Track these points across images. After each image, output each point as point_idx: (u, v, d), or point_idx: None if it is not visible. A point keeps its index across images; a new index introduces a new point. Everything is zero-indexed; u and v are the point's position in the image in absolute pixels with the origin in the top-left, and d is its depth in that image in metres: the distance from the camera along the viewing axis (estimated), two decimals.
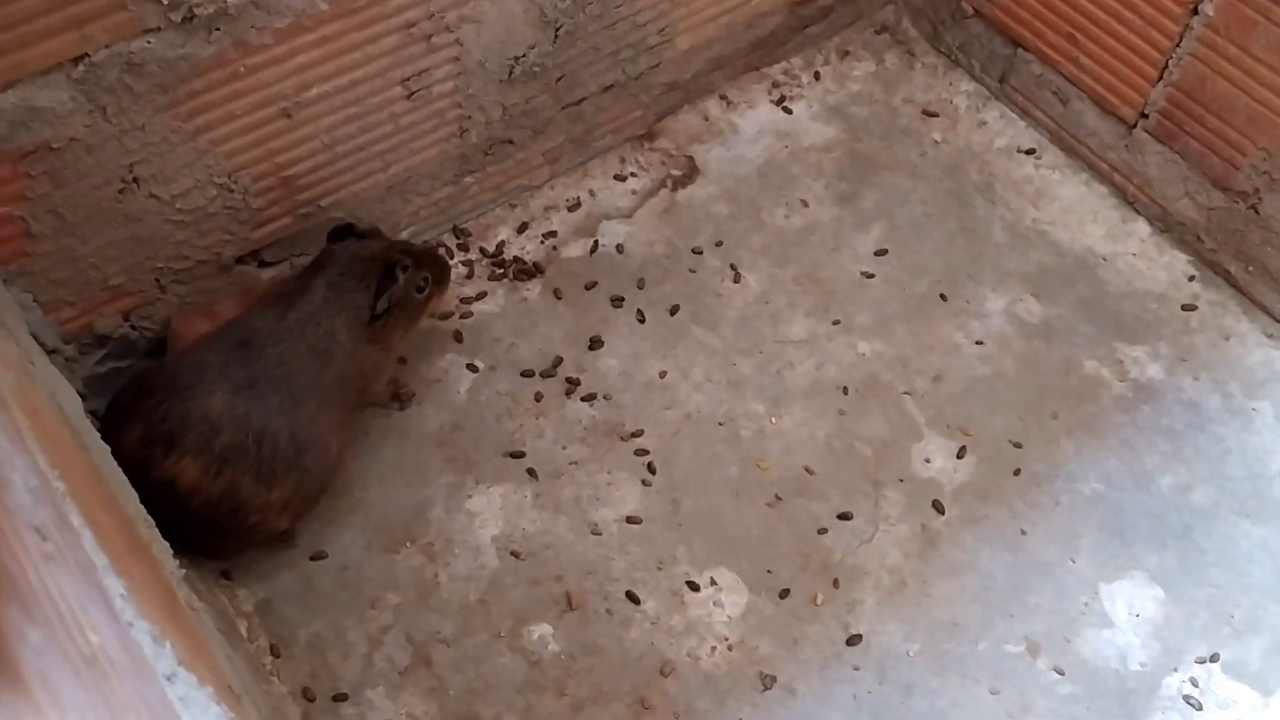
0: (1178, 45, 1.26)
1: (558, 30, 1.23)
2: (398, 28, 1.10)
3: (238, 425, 1.03)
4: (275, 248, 1.22)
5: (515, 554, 1.16)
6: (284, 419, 1.05)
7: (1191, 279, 1.37)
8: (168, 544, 0.90)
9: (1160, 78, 1.30)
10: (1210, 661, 1.12)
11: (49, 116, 0.94)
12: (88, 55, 0.92)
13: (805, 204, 1.43)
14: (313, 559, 1.15)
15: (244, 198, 1.13)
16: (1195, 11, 1.23)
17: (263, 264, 1.22)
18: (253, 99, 1.06)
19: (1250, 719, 1.09)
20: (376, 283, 1.10)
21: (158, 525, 1.03)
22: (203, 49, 0.98)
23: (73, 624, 0.37)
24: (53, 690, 0.36)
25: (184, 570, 0.87)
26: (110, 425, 1.03)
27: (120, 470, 0.94)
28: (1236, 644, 1.13)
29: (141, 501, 0.99)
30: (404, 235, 1.33)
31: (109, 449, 0.94)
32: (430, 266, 1.18)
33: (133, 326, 1.17)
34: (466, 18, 1.14)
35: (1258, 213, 1.28)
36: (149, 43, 0.95)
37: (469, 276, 1.36)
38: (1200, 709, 1.09)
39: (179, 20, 0.95)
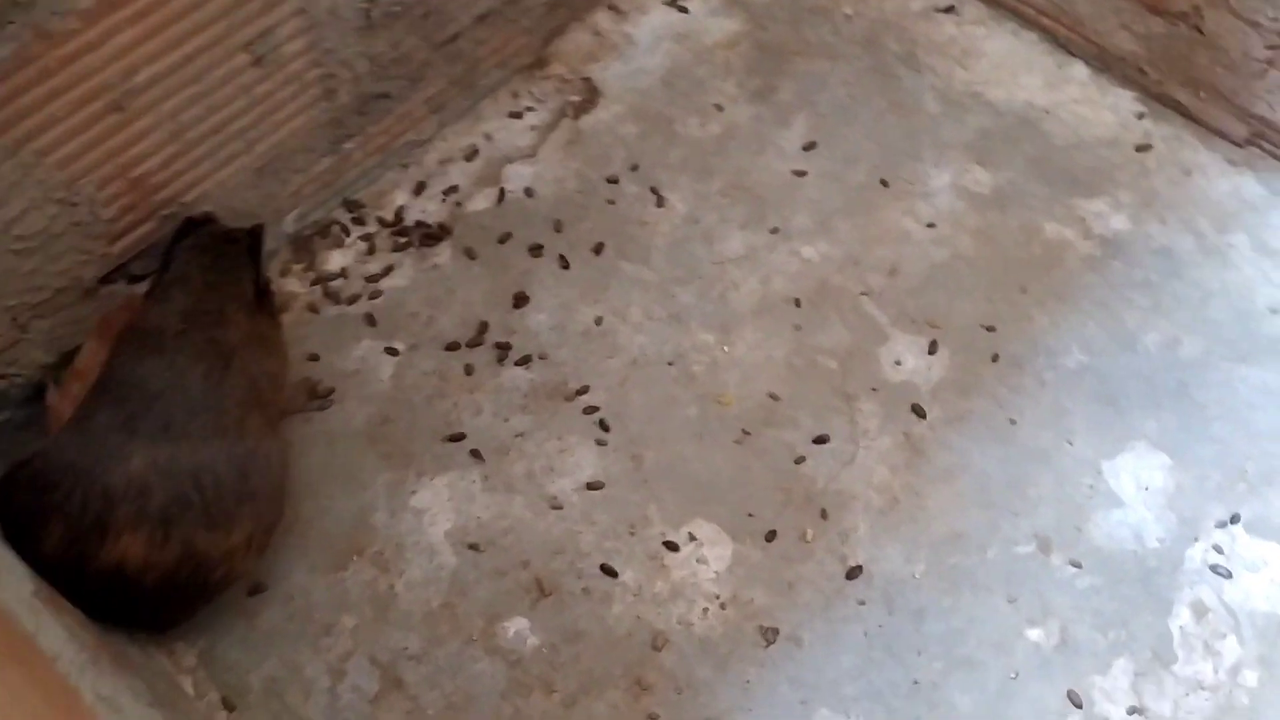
0: None
1: None
2: None
3: (168, 476, 0.89)
4: (143, 259, 1.08)
5: (473, 546, 1.06)
6: (214, 445, 0.92)
7: (1141, 116, 1.27)
8: (74, 620, 0.78)
9: None
10: (1231, 524, 1.05)
11: None
12: None
13: (719, 108, 1.31)
14: (251, 594, 1.04)
15: (91, 209, 1.00)
16: None
17: (133, 279, 1.08)
18: (73, 96, 0.92)
19: None
20: (249, 252, 0.98)
21: (109, 614, 0.92)
22: (1, 49, 0.84)
23: None
24: None
25: (85, 654, 0.75)
26: (18, 533, 0.89)
27: (2, 550, 0.82)
28: (1255, 499, 1.06)
29: (85, 596, 0.88)
30: (289, 218, 1.20)
31: None
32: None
33: (2, 376, 1.03)
34: None
35: (1201, 32, 1.18)
36: None
37: (370, 252, 1.23)
38: (1230, 576, 1.02)
39: None
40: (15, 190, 0.93)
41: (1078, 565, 1.03)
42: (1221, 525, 1.04)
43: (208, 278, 0.96)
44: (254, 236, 0.99)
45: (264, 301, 0.99)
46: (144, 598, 0.92)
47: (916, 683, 0.98)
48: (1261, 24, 1.13)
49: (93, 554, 0.88)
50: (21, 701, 0.47)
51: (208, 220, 1.02)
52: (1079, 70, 1.30)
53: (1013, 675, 0.98)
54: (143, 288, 1.09)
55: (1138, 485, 1.06)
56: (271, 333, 1.01)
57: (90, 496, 0.88)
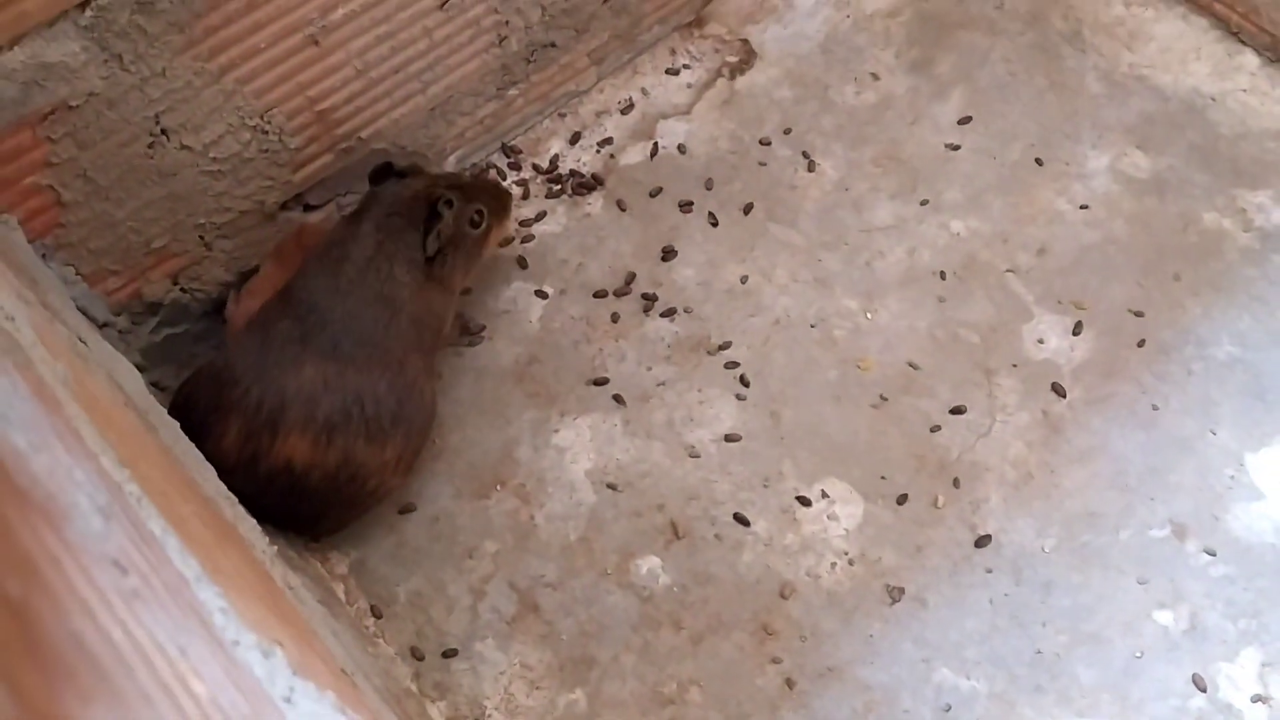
0: None
1: None
2: None
3: (335, 390, 0.97)
4: (319, 189, 1.14)
5: (612, 486, 1.10)
6: (376, 373, 0.99)
7: None
8: (254, 521, 0.84)
9: None
10: None
11: (62, 71, 0.86)
12: None
13: (876, 77, 1.32)
14: (401, 513, 1.10)
15: (280, 138, 1.05)
16: None
17: (308, 207, 1.14)
18: (276, 28, 0.97)
19: None
20: (423, 223, 1.02)
21: (276, 515, 0.99)
22: None
23: (175, 682, 0.31)
24: None
25: (274, 546, 0.80)
26: (199, 428, 0.95)
27: (193, 447, 0.88)
28: None
29: (256, 494, 0.94)
30: (451, 159, 1.24)
31: (179, 428, 0.87)
32: (483, 198, 1.09)
33: (183, 289, 1.10)
34: None
35: None
36: None
37: (525, 197, 1.27)
38: None
39: None
40: (216, 115, 0.99)
41: (1213, 554, 1.03)
42: None
43: (388, 238, 1.01)
44: (432, 208, 1.03)
45: (433, 268, 1.04)
46: (307, 496, 0.99)
47: (1040, 652, 0.99)
48: None
49: (264, 452, 0.96)
50: (242, 585, 0.52)
51: (413, 170, 1.07)
52: (1250, 59, 1.27)
53: (1138, 655, 0.99)
54: (316, 216, 1.15)
55: None
56: (438, 295, 1.06)
57: (266, 397, 0.95)
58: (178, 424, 0.89)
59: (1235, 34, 1.28)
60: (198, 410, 0.97)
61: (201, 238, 1.07)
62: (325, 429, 0.97)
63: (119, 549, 0.33)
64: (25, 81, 0.84)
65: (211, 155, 1.01)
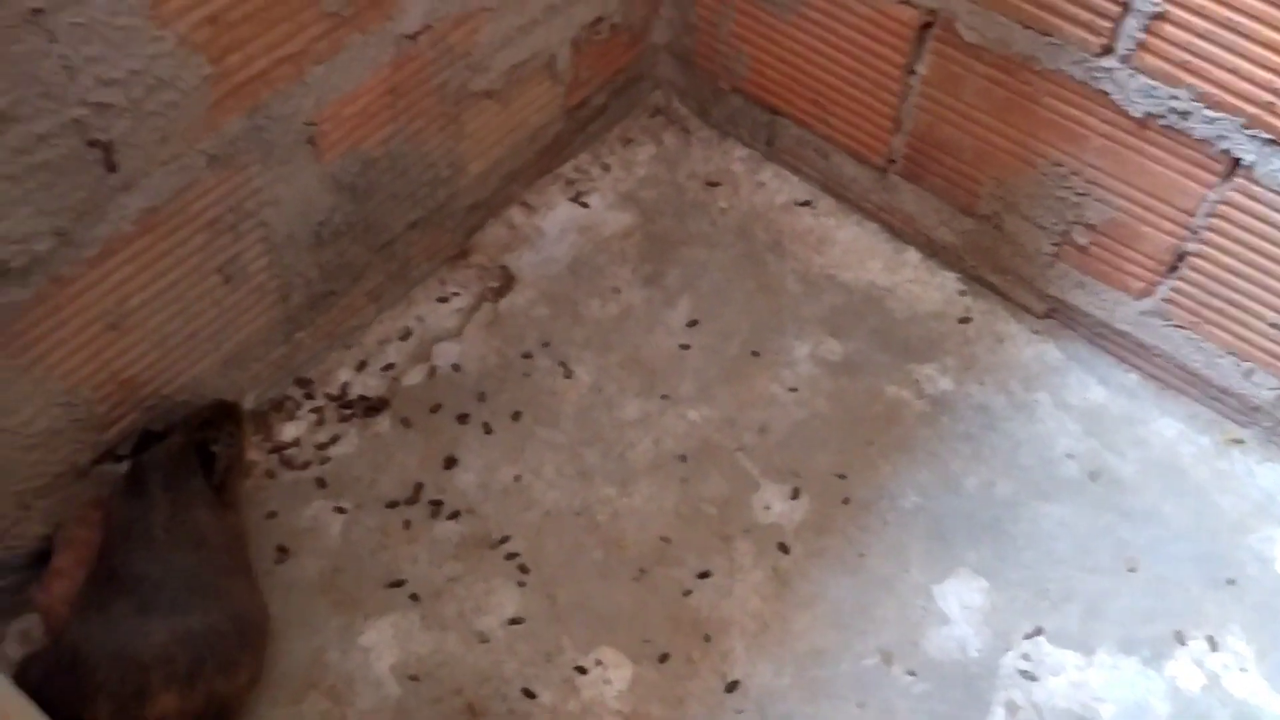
0: (904, 101, 1.43)
1: (355, 190, 1.33)
2: (203, 226, 1.18)
3: (184, 642, 1.10)
4: (126, 441, 1.27)
5: (414, 677, 1.25)
6: (214, 612, 1.13)
7: (963, 294, 1.54)
8: None
9: (897, 128, 1.47)
10: (1037, 635, 1.28)
11: None
12: None
13: (617, 290, 1.55)
14: None
15: (87, 408, 1.19)
16: (912, 71, 1.40)
17: (117, 459, 1.27)
18: (78, 321, 1.12)
19: (1079, 678, 1.25)
20: (202, 467, 1.19)
21: None
22: (21, 294, 1.04)
23: None
24: None
25: None
26: (65, 715, 1.05)
27: (21, 698, 0.99)
28: (1055, 614, 1.29)
29: None
30: (249, 397, 1.40)
31: (7, 683, 0.99)
32: (227, 421, 1.27)
33: (4, 548, 1.21)
34: (266, 202, 1.23)
35: (1002, 230, 1.45)
36: None
37: (320, 423, 1.43)
38: (1036, 679, 1.25)
39: None
40: (27, 400, 1.12)
41: (914, 674, 1.25)
42: (1029, 636, 1.27)
43: (179, 493, 1.17)
44: (205, 452, 1.20)
45: (223, 496, 1.21)
46: None
47: None
48: (1046, 227, 1.40)
49: (139, 716, 1.08)
50: None
51: (168, 430, 1.22)
52: (912, 255, 1.57)
53: None
54: (125, 465, 1.29)
55: (961, 605, 1.30)
56: (231, 515, 1.23)
57: (128, 671, 1.08)
58: (4, 678, 1.00)
59: (899, 236, 1.58)
60: (57, 699, 1.07)
61: (19, 501, 1.19)
62: (187, 679, 1.10)
63: None
64: None
65: (25, 433, 1.14)
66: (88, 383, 1.18)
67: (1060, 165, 1.34)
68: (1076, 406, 1.44)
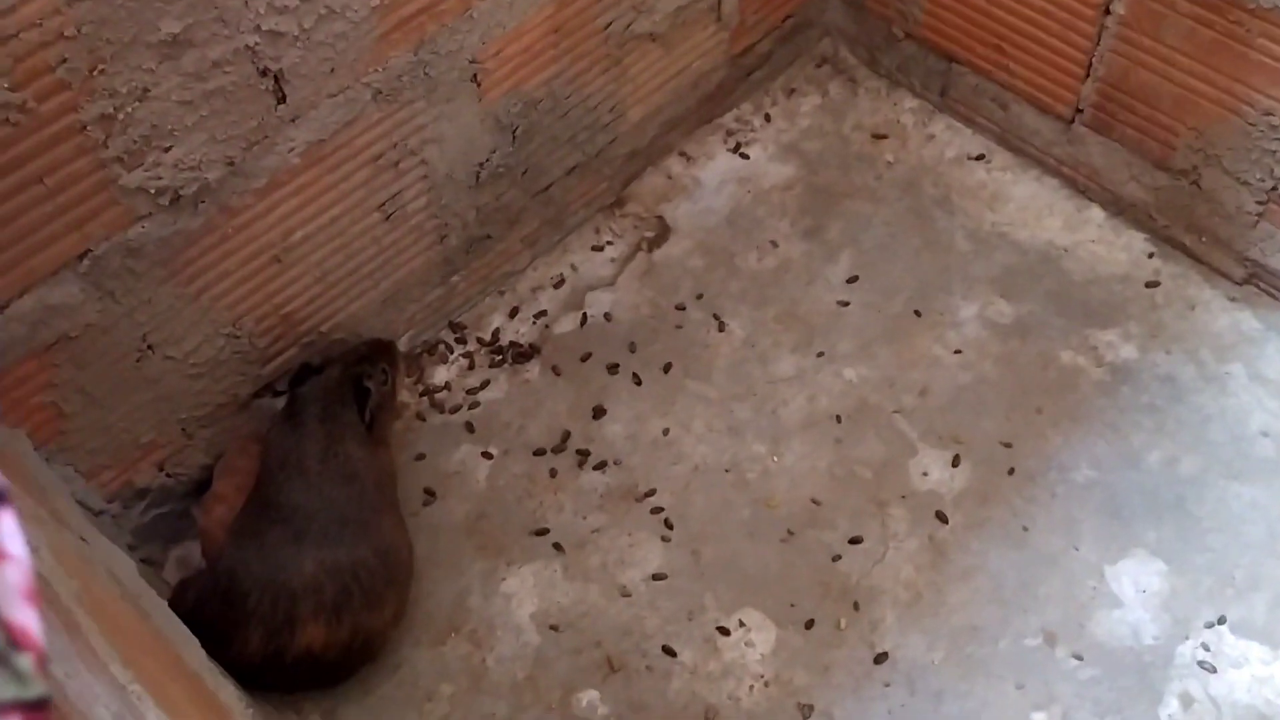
0: (1098, 44, 1.33)
1: (515, 132, 1.31)
2: (366, 162, 1.18)
3: (333, 573, 1.12)
4: (285, 377, 1.30)
5: (554, 627, 1.24)
6: (362, 546, 1.15)
7: (1151, 256, 1.43)
8: (232, 686, 0.98)
9: (1088, 75, 1.36)
10: (1219, 624, 1.18)
11: (64, 311, 1.02)
12: (90, 251, 1.01)
13: (775, 244, 1.50)
14: None
15: (250, 340, 1.22)
16: (1108, 11, 1.29)
17: (276, 394, 1.30)
18: (244, 254, 1.14)
19: (1263, 673, 1.15)
20: (356, 402, 1.20)
21: (301, 690, 1.16)
22: (192, 222, 1.07)
23: None
24: None
25: (250, 709, 0.94)
26: (218, 639, 1.09)
27: (179, 623, 1.02)
28: (1241, 603, 1.19)
29: (283, 683, 1.13)
30: (403, 339, 1.41)
31: (168, 609, 1.02)
32: (382, 358, 1.27)
33: (168, 475, 1.25)
34: (428, 140, 1.22)
35: (1200, 187, 1.34)
36: (143, 228, 1.03)
37: (470, 368, 1.43)
38: (1215, 671, 1.15)
39: (167, 203, 1.03)
40: (194, 328, 1.15)
41: (1080, 658, 1.17)
42: (1210, 625, 1.18)
43: (334, 426, 1.18)
44: (359, 387, 1.21)
45: (374, 432, 1.22)
46: (326, 668, 1.15)
47: None
48: (1251, 183, 1.29)
49: (287, 645, 1.11)
50: None
51: (326, 362, 1.24)
52: (1096, 214, 1.47)
53: None
54: (282, 402, 1.31)
55: (1136, 588, 1.21)
56: (383, 452, 1.24)
57: (280, 598, 1.10)
58: (164, 603, 1.03)
59: (1082, 192, 1.47)
60: (213, 624, 1.10)
61: (184, 430, 1.23)
62: (334, 611, 1.12)
63: None
64: (33, 322, 1.00)
65: (191, 362, 1.17)
66: (251, 314, 1.20)
67: (1271, 114, 1.22)
68: (1275, 380, 1.32)
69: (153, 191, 1.01)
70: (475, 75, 1.22)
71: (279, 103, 1.05)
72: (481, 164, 1.31)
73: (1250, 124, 1.25)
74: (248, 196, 1.10)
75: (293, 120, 1.08)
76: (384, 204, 1.24)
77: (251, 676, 1.12)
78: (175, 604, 1.14)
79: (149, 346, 1.12)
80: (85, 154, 0.94)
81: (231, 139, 1.04)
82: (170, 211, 1.04)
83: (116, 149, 0.96)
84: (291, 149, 1.10)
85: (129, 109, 0.95)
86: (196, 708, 0.72)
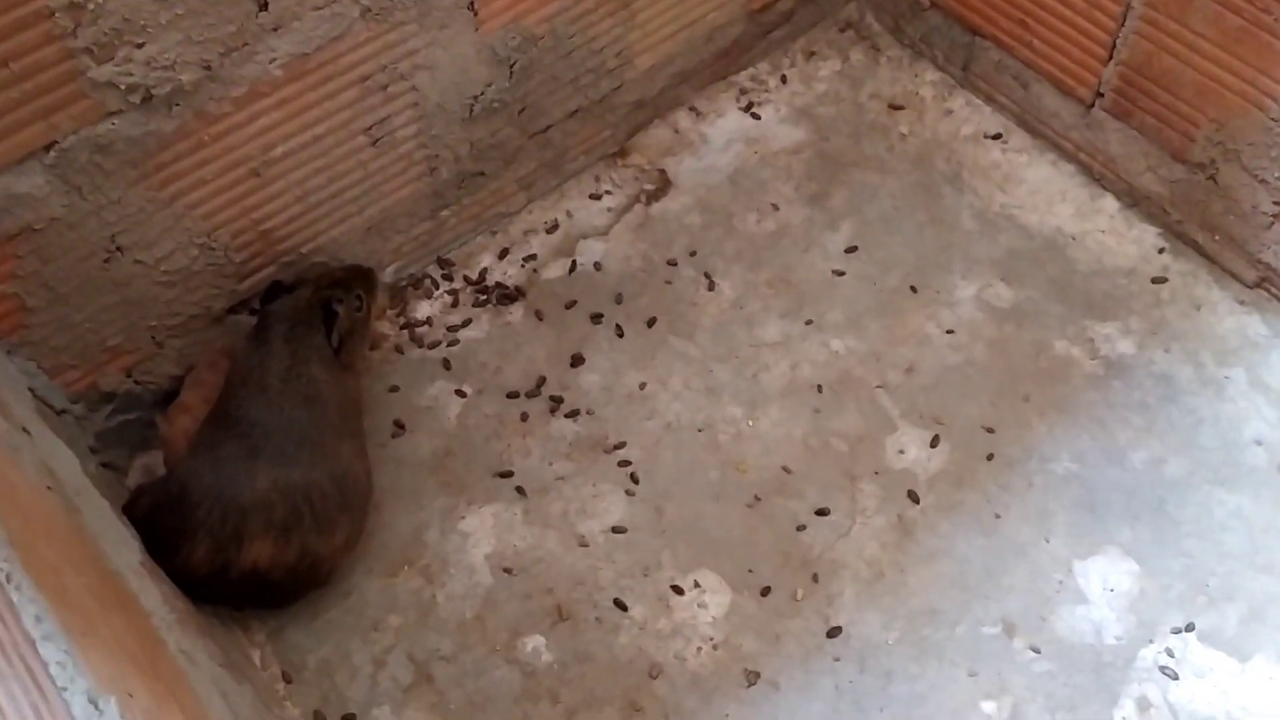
0: (1122, 25, 1.28)
1: (513, 67, 1.28)
2: (353, 82, 1.16)
3: (285, 493, 1.11)
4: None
5: (508, 570, 1.22)
6: (318, 468, 1.13)
7: (1162, 251, 1.38)
8: (161, 592, 0.97)
9: (1110, 57, 1.31)
10: (1186, 631, 1.14)
11: (28, 201, 1.01)
12: (56, 142, 0.99)
13: (776, 208, 1.46)
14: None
15: (225, 254, 1.20)
16: None
17: (252, 311, 1.28)
18: (221, 163, 1.13)
19: (1227, 685, 1.11)
20: (324, 324, 1.18)
21: (242, 604, 1.15)
22: (165, 124, 1.05)
23: None
24: None
25: (175, 616, 0.93)
26: (165, 546, 1.09)
27: (117, 523, 1.01)
28: (1212, 612, 1.15)
29: (227, 595, 1.12)
30: (389, 270, 1.39)
31: (109, 508, 1.01)
32: (358, 284, 1.25)
33: (136, 381, 1.24)
34: (420, 65, 1.20)
35: (1216, 183, 1.29)
36: (113, 124, 1.01)
37: (454, 305, 1.41)
38: (1177, 678, 1.11)
39: (139, 101, 1.01)
40: (166, 235, 1.14)
41: (1037, 650, 1.14)
42: (1177, 631, 1.14)
43: (300, 345, 1.16)
44: (327, 310, 1.19)
45: (341, 357, 1.20)
46: (272, 588, 1.14)
47: None
48: (1269, 182, 1.23)
49: (234, 561, 1.10)
50: (121, 640, 0.65)
51: (299, 282, 1.22)
52: (1109, 203, 1.42)
53: None
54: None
55: (1104, 586, 1.17)
56: (350, 379, 1.22)
57: (229, 512, 1.09)
58: (108, 504, 1.02)
59: (1097, 180, 1.43)
60: (161, 531, 1.10)
61: (153, 338, 1.22)
62: (283, 530, 1.11)
63: None
64: None
65: (162, 269, 1.16)
66: (227, 228, 1.18)
67: None
68: (1275, 389, 1.27)
69: (123, 88, 0.99)
70: (472, 3, 1.19)
71: (260, 9, 1.03)
72: (476, 97, 1.28)
73: (1272, 119, 1.19)
74: (225, 104, 1.08)
75: (274, 29, 1.06)
76: (371, 128, 1.22)
77: (197, 588, 1.11)
78: (129, 509, 1.14)
79: (118, 248, 1.11)
80: (52, 41, 0.93)
81: (208, 41, 1.02)
82: (142, 110, 1.02)
83: (85, 39, 0.94)
84: (273, 60, 1.08)
85: None
86: (97, 600, 0.71)
